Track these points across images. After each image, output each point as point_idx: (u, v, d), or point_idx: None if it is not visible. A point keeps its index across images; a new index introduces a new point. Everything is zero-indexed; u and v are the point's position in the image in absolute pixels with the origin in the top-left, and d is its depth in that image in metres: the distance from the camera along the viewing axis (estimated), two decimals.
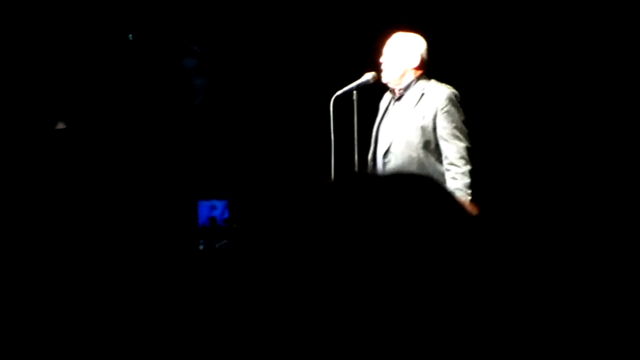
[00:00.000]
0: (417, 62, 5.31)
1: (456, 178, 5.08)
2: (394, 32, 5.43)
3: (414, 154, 5.19)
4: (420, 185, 1.27)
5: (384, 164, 5.26)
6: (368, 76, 5.36)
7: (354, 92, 5.34)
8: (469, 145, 5.16)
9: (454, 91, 5.27)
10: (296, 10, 7.04)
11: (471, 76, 6.80)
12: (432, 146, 5.19)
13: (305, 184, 5.64)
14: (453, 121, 5.17)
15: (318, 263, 1.23)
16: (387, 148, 5.28)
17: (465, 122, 5.22)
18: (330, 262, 1.22)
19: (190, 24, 6.83)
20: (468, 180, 5.08)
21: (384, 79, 5.33)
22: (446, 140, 5.16)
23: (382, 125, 5.38)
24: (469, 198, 5.04)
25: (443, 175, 5.12)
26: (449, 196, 1.28)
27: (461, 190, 5.04)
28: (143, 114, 6.52)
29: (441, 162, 5.17)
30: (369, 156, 5.36)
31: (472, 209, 4.95)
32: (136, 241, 5.47)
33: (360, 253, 1.21)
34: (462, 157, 5.12)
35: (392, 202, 1.24)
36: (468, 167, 5.11)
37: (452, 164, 5.13)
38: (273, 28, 7.02)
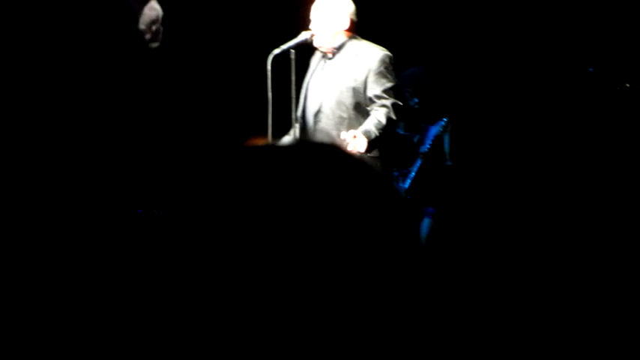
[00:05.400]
0: (346, 24, 5.27)
1: (372, 117, 5.06)
2: None
3: (345, 115, 5.17)
4: (325, 154, 1.23)
5: (315, 123, 5.24)
6: (306, 35, 5.30)
7: (292, 51, 5.29)
8: (397, 103, 5.15)
9: (387, 53, 5.24)
10: None
11: (405, 38, 6.82)
12: (362, 107, 5.17)
13: (241, 144, 5.58)
14: (383, 84, 5.15)
15: (225, 235, 1.19)
16: (317, 107, 5.25)
17: (395, 85, 5.21)
18: (237, 234, 1.18)
19: None
20: (382, 121, 5.03)
21: (316, 44, 5.29)
22: (373, 101, 5.14)
23: (312, 84, 5.34)
24: (374, 134, 4.97)
25: None
26: (355, 163, 1.24)
27: (368, 126, 5.01)
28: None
29: None
30: (299, 114, 5.33)
31: (362, 145, 4.90)
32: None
33: (265, 226, 1.17)
34: (385, 107, 5.08)
35: (297, 172, 1.20)
36: (388, 114, 5.06)
37: (374, 110, 5.11)
38: None
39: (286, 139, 5.37)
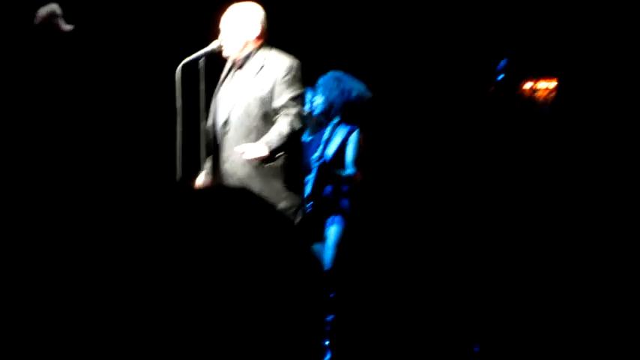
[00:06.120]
0: (257, 33, 5.25)
1: (275, 127, 5.05)
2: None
3: (253, 125, 5.15)
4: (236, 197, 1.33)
5: (223, 134, 5.22)
6: (215, 44, 5.28)
7: (201, 60, 5.28)
8: (301, 111, 5.18)
9: (295, 60, 5.24)
10: None
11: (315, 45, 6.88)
12: (270, 117, 5.16)
13: (152, 156, 5.58)
14: (289, 93, 5.16)
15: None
16: (226, 118, 5.22)
17: (301, 93, 5.23)
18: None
19: None
20: (285, 130, 5.04)
21: (226, 54, 5.27)
22: (278, 111, 5.13)
23: (221, 94, 5.32)
24: (275, 144, 5.00)
25: None
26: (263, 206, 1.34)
27: (271, 136, 5.01)
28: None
29: None
30: (208, 124, 5.31)
31: (262, 152, 4.94)
32: None
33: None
34: (289, 116, 5.08)
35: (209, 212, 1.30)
36: (292, 122, 5.06)
37: (278, 118, 5.11)
38: None
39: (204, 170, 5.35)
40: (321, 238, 5.89)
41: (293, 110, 5.13)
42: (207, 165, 5.32)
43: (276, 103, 5.17)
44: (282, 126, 5.07)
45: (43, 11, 5.95)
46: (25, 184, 5.79)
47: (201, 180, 5.31)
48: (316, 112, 6.04)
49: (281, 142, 5.04)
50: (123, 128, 6.57)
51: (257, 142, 5.01)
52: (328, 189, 5.95)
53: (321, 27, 7.28)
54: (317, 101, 6.02)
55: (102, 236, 1.29)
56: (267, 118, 5.17)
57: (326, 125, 6.04)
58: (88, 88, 6.09)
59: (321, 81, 6.02)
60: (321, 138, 6.01)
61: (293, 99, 5.17)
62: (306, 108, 5.69)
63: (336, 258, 5.87)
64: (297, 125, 5.11)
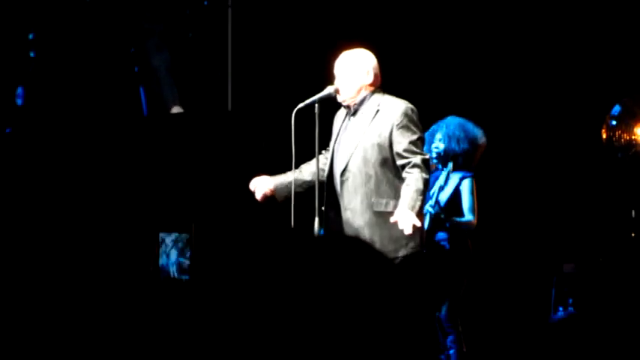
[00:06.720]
0: (370, 79, 5.25)
1: (409, 185, 5.02)
2: (348, 44, 5.37)
3: (372, 172, 5.13)
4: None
5: (342, 182, 5.21)
6: (330, 89, 5.28)
7: (316, 105, 5.28)
8: (425, 157, 5.15)
9: (410, 105, 5.21)
10: (258, 23, 7.03)
11: (427, 88, 6.86)
12: (389, 163, 5.13)
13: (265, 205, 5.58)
14: (409, 137, 5.12)
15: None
16: (344, 166, 5.21)
17: (421, 137, 5.19)
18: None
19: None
20: (421, 187, 5.01)
21: (340, 99, 5.27)
22: (401, 156, 5.11)
23: (338, 142, 5.31)
24: (418, 204, 4.98)
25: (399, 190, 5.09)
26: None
27: (412, 197, 4.97)
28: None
29: (399, 178, 5.11)
30: (326, 173, 5.30)
31: (416, 221, 4.91)
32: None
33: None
34: (417, 167, 5.06)
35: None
36: (423, 175, 5.05)
37: (407, 173, 5.08)
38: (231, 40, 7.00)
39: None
40: (434, 284, 5.82)
41: (417, 159, 5.09)
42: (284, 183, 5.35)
43: (397, 148, 5.13)
44: (415, 182, 5.03)
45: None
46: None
47: (262, 189, 5.33)
48: (436, 159, 5.94)
49: (421, 199, 5.03)
50: (241, 172, 6.62)
51: (402, 210, 4.97)
52: (441, 235, 5.88)
53: (428, 71, 7.26)
54: (439, 147, 5.93)
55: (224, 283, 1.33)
56: (386, 164, 5.15)
57: (439, 170, 5.98)
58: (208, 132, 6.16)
59: (444, 129, 5.94)
60: (433, 183, 5.94)
61: (413, 143, 5.13)
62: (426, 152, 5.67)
63: (450, 306, 5.79)
64: (426, 174, 5.09)
